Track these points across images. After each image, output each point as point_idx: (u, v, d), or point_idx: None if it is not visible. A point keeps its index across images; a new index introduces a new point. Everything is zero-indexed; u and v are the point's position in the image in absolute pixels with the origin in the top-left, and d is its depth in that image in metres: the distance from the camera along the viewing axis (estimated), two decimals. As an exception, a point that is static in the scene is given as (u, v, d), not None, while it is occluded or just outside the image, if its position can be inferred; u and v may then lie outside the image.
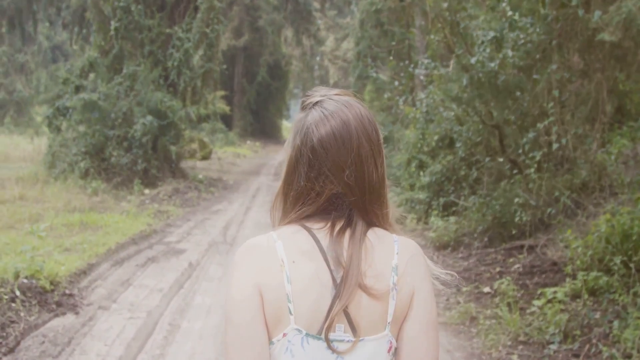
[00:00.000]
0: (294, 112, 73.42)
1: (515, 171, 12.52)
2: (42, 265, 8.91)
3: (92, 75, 22.40)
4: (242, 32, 41.54)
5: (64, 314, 8.02)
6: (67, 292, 8.71)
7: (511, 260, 10.59)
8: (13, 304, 7.80)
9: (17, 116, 43.89)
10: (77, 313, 8.08)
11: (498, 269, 10.29)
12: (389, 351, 1.82)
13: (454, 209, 14.31)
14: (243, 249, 1.89)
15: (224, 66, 27.26)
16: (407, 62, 15.34)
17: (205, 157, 28.62)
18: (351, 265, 1.77)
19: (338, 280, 1.77)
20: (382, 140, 1.93)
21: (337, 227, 1.84)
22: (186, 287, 9.46)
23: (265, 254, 1.82)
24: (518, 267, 10.32)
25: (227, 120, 40.99)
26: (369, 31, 29.96)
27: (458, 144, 14.88)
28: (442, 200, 14.62)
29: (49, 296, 8.33)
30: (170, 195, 18.47)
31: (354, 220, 1.85)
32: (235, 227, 14.56)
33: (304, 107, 1.95)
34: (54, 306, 8.13)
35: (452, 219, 12.76)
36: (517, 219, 11.49)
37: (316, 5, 45.55)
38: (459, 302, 8.98)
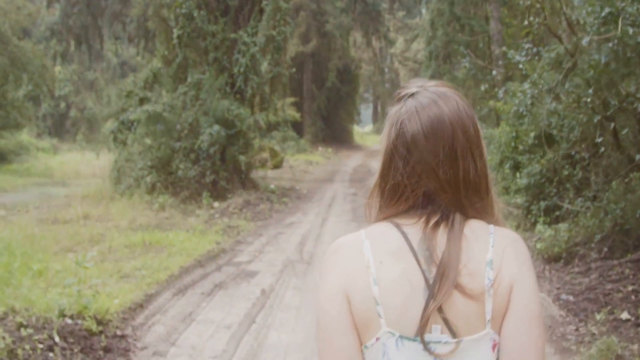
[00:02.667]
0: (365, 117, 71.96)
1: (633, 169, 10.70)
2: (90, 300, 7.46)
3: (156, 87, 21.14)
4: (310, 37, 40.09)
5: (112, 362, 6.53)
6: (119, 332, 7.22)
7: (643, 275, 8.77)
8: (50, 354, 6.32)
9: (89, 133, 43.48)
10: (128, 360, 6.59)
11: (631, 287, 8.46)
12: (493, 349, 1.66)
13: (557, 213, 12.49)
14: (331, 250, 1.77)
15: (293, 69, 25.69)
16: (500, 49, 13.49)
17: (276, 166, 27.19)
18: (449, 263, 1.63)
19: (431, 280, 1.64)
20: (481, 133, 1.81)
21: (432, 222, 1.70)
22: (259, 321, 7.86)
23: (352, 255, 1.71)
24: (655, 285, 8.52)
25: (297, 127, 39.67)
26: (444, 27, 28.16)
27: (559, 141, 13.07)
28: (543, 204, 12.78)
29: (96, 340, 6.82)
30: (241, 208, 17.00)
31: (450, 215, 1.71)
32: (311, 241, 12.97)
33: (399, 99, 1.82)
34: (100, 353, 6.61)
35: (562, 226, 10.90)
36: (644, 224, 9.67)
37: (384, 5, 43.91)
38: (593, 334, 7.18)
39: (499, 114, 16.92)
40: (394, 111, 1.81)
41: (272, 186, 20.55)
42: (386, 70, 61.98)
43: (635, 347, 6.68)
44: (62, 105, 48.18)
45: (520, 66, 10.91)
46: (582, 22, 10.44)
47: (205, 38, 19.90)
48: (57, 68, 45.01)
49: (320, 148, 40.08)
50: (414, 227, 1.71)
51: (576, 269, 9.84)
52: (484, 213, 1.76)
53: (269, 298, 8.82)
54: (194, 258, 11.06)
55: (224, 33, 19.97)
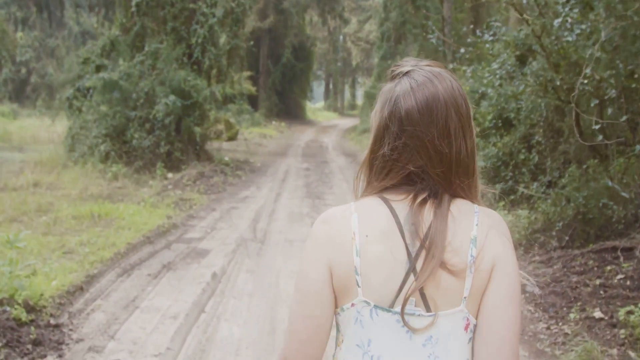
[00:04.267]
0: (317, 94, 70.79)
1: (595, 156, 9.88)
2: (22, 283, 6.35)
3: (114, 55, 19.73)
4: (267, 13, 38.69)
5: (42, 357, 5.43)
6: (52, 321, 6.10)
7: (609, 268, 7.90)
8: (-31, 349, 5.21)
9: (49, 99, 41.54)
10: (60, 357, 5.50)
11: (597, 281, 7.61)
12: (466, 328, 1.64)
13: (512, 197, 11.67)
14: (319, 220, 1.74)
15: (251, 43, 24.47)
16: (469, 27, 12.50)
17: (231, 138, 25.95)
18: (435, 240, 1.60)
19: (413, 254, 1.62)
20: (471, 113, 1.76)
21: (419, 199, 1.67)
22: (208, 310, 6.80)
23: (339, 226, 1.68)
24: (621, 279, 7.68)
25: (252, 101, 38.36)
26: (398, 8, 27.22)
27: (516, 124, 12.21)
28: (499, 187, 11.94)
29: (24, 331, 5.70)
30: (195, 180, 15.83)
31: (438, 192, 1.68)
32: (265, 218, 11.91)
33: (393, 77, 1.75)
34: (29, 347, 5.50)
35: (522, 212, 10.03)
36: (608, 214, 8.83)
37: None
38: (566, 334, 6.30)
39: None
40: (387, 88, 1.76)
41: (226, 158, 19.37)
42: (339, 49, 60.81)
43: (614, 351, 5.83)
44: (23, 71, 46.07)
45: (487, 45, 9.97)
46: (549, 4, 9.56)
47: (164, 7, 18.57)
48: (19, 34, 43.21)
49: (274, 122, 38.86)
50: (401, 203, 1.67)
51: (537, 258, 9.00)
52: (469, 192, 1.73)
53: (220, 282, 7.75)
54: (143, 234, 9.94)
55: (183, 3, 18.61)
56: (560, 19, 8.45)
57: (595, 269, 8.10)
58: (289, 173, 18.90)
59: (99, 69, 18.89)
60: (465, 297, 1.60)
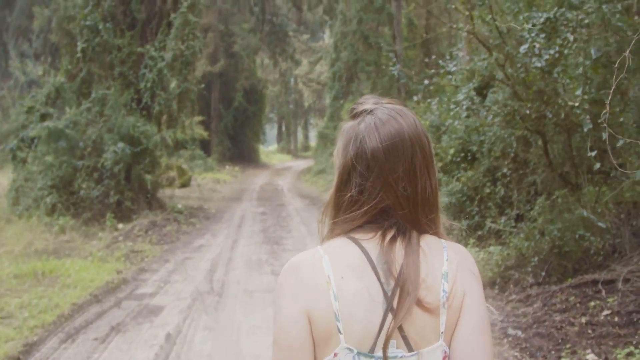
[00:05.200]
0: (270, 137, 70.30)
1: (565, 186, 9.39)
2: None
3: (59, 103, 18.87)
4: (218, 57, 38.13)
5: None
6: (-19, 403, 5.33)
7: (592, 304, 7.35)
8: None
9: (-5, 151, 40.23)
10: None
11: (583, 319, 7.04)
12: None
13: (479, 232, 11.13)
14: (287, 268, 1.66)
15: (202, 86, 23.80)
16: (432, 58, 12.03)
17: (184, 185, 25.12)
18: (408, 278, 1.57)
19: (389, 293, 1.57)
20: (433, 150, 1.73)
21: (388, 237, 1.64)
22: (162, 377, 6.06)
23: (311, 271, 1.61)
24: (608, 315, 7.11)
25: (205, 146, 37.68)
26: (350, 46, 26.94)
27: (479, 157, 11.72)
28: (465, 223, 11.40)
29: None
30: (146, 230, 14.99)
31: (406, 229, 1.64)
32: (222, 268, 11.16)
33: (354, 115, 1.73)
34: None
35: (495, 248, 9.46)
36: (585, 246, 8.31)
37: (292, 26, 42.45)
38: (561, 386, 5.71)
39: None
40: (349, 126, 1.73)
41: (179, 206, 18.53)
42: (291, 91, 60.53)
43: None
44: (-32, 123, 44.80)
45: (449, 77, 9.48)
46: (511, 31, 9.12)
47: (111, 52, 17.83)
48: (-38, 86, 42.01)
49: (227, 167, 38.09)
50: (371, 242, 1.64)
51: (514, 296, 8.41)
52: (435, 228, 1.70)
53: (175, 344, 6.98)
54: (90, 292, 9.12)
55: (131, 47, 17.92)
56: (526, 45, 7.98)
57: (578, 305, 7.55)
58: (245, 218, 18.16)
59: (43, 117, 18.01)
60: (442, 332, 1.59)
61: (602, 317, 6.99)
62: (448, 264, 1.62)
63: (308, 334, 1.57)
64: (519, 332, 7.06)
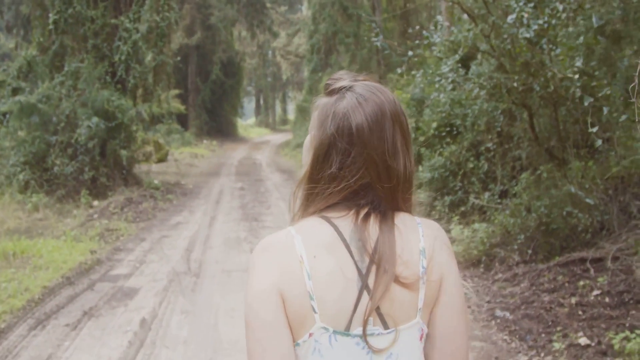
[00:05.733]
0: (248, 110, 69.65)
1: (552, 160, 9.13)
2: None
3: (31, 77, 18.30)
4: (194, 30, 37.42)
5: None
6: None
7: (582, 283, 7.12)
8: None
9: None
10: None
11: (572, 299, 6.81)
12: (420, 339, 1.61)
13: (462, 208, 10.88)
14: (259, 248, 1.60)
15: (178, 58, 23.27)
16: (417, 28, 11.65)
17: (161, 160, 24.67)
18: (384, 255, 1.54)
19: (364, 271, 1.54)
20: (410, 128, 1.70)
21: (362, 214, 1.60)
22: (137, 366, 5.75)
23: (283, 250, 1.56)
24: (598, 295, 6.88)
25: (182, 120, 37.12)
26: (329, 18, 26.49)
27: (462, 131, 11.43)
28: (448, 199, 11.13)
29: None
30: (122, 207, 14.60)
31: (381, 206, 1.61)
32: (200, 246, 10.84)
33: (331, 92, 1.66)
34: None
35: (479, 226, 9.19)
36: (573, 223, 8.06)
37: (268, -3, 41.86)
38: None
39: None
40: (325, 102, 1.66)
41: (156, 182, 18.11)
42: (269, 64, 59.87)
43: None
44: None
45: (434, 48, 9.13)
46: (497, 1, 8.81)
47: (84, 24, 17.21)
48: None
49: (205, 141, 37.58)
50: (344, 220, 1.60)
51: (500, 275, 8.18)
52: (408, 206, 1.69)
53: (150, 330, 6.67)
54: (62, 274, 8.77)
55: (104, 18, 17.31)
56: (514, 15, 7.66)
57: (567, 284, 7.33)
58: (223, 194, 17.80)
59: (15, 92, 17.46)
60: (420, 309, 1.58)
61: (592, 298, 6.77)
62: (424, 240, 1.61)
63: (280, 313, 1.52)
64: (507, 314, 6.82)
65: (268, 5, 41.68)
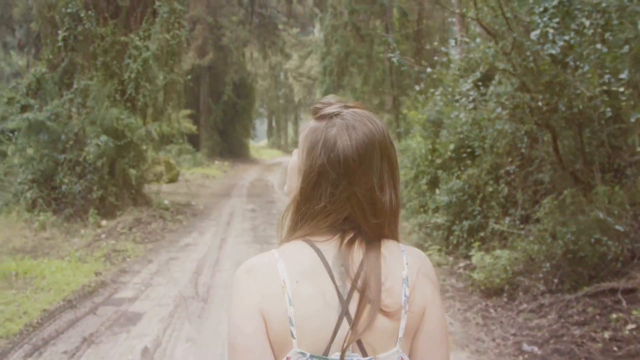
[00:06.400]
0: (260, 132, 69.44)
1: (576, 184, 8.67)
2: None
3: (41, 94, 17.98)
4: (206, 50, 37.22)
5: None
6: None
7: (614, 316, 6.65)
8: None
9: (-22, 144, 39.23)
10: None
11: (605, 334, 6.34)
12: None
13: (481, 234, 10.43)
14: (243, 270, 1.58)
15: (189, 77, 22.95)
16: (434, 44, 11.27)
17: (172, 180, 24.31)
18: (369, 282, 1.51)
19: (345, 297, 1.51)
20: (397, 159, 1.67)
21: (347, 239, 1.58)
22: (136, 401, 5.32)
23: (267, 274, 1.54)
24: (633, 329, 6.41)
25: (194, 140, 36.79)
26: (341, 40, 26.21)
27: (481, 154, 10.99)
28: (466, 223, 10.68)
29: None
30: (130, 227, 14.23)
31: (366, 233, 1.58)
32: (208, 269, 10.42)
33: (320, 117, 1.64)
34: None
35: (502, 252, 8.72)
36: (602, 251, 7.59)
37: (282, 18, 41.57)
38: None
39: (411, 123, 14.82)
40: (315, 127, 1.63)
41: (166, 202, 17.73)
42: (281, 85, 59.67)
43: None
44: (-49, 115, 43.70)
45: (452, 66, 8.74)
46: (518, 17, 8.43)
47: (94, 41, 16.93)
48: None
49: (216, 162, 37.25)
50: (328, 244, 1.58)
51: (525, 306, 7.70)
52: (395, 232, 1.65)
53: (153, 359, 6.26)
54: (63, 296, 8.37)
55: (114, 36, 17.03)
56: (538, 31, 7.26)
57: (598, 317, 6.86)
58: (234, 215, 17.40)
59: (24, 109, 17.15)
60: (400, 338, 1.54)
61: (626, 332, 6.30)
62: (408, 269, 1.58)
63: (263, 333, 1.50)
64: (535, 349, 6.35)
65: (280, 26, 41.48)
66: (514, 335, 6.81)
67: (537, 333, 6.72)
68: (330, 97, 1.71)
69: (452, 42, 8.76)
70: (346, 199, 1.55)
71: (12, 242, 12.84)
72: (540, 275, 8.01)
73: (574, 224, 7.96)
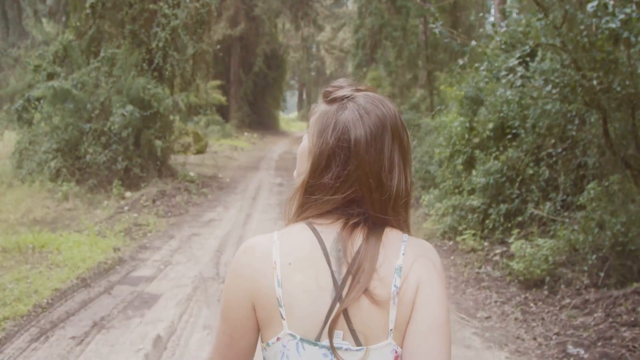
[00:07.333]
0: (290, 104, 68.91)
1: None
2: None
3: (67, 62, 17.55)
4: (238, 21, 36.63)
5: None
6: None
7: (669, 316, 6.08)
8: None
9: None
10: None
11: (659, 337, 5.77)
12: None
13: (519, 218, 9.83)
14: (241, 249, 1.59)
15: (218, 47, 22.41)
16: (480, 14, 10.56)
17: (200, 151, 23.88)
18: (362, 266, 1.47)
19: (339, 282, 1.47)
20: (410, 144, 1.64)
21: (349, 224, 1.53)
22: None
23: (259, 256, 1.54)
24: (690, 333, 5.83)
25: (223, 111, 36.34)
26: (375, 12, 25.49)
27: (522, 134, 10.35)
28: (503, 207, 10.08)
29: None
30: (154, 200, 13.80)
31: (368, 218, 1.54)
32: (231, 248, 9.94)
33: (331, 100, 1.60)
34: None
35: (544, 241, 8.11)
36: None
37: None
38: None
39: (447, 100, 14.18)
40: (326, 110, 1.59)
41: (192, 174, 17.26)
42: (313, 57, 58.96)
43: None
44: (-16, 82, 43.71)
45: (498, 38, 8.10)
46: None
47: (122, 8, 16.50)
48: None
49: (246, 133, 36.82)
50: (329, 228, 1.54)
51: (568, 300, 7.11)
52: (403, 222, 1.60)
53: (165, 349, 5.78)
54: (78, 274, 7.92)
55: (143, 3, 16.52)
56: (595, 2, 6.59)
57: (650, 317, 6.27)
58: (260, 189, 16.92)
59: (50, 77, 16.76)
60: (391, 330, 1.47)
61: (683, 335, 5.72)
62: (403, 258, 1.51)
63: (250, 314, 1.52)
64: (581, 351, 5.78)
65: (313, -3, 40.77)
66: (557, 334, 6.24)
67: (583, 333, 6.14)
68: (342, 80, 1.68)
69: (491, 16, 8.09)
70: (354, 181, 1.52)
71: (33, 212, 12.48)
72: (585, 268, 7.41)
73: (624, 213, 7.35)
